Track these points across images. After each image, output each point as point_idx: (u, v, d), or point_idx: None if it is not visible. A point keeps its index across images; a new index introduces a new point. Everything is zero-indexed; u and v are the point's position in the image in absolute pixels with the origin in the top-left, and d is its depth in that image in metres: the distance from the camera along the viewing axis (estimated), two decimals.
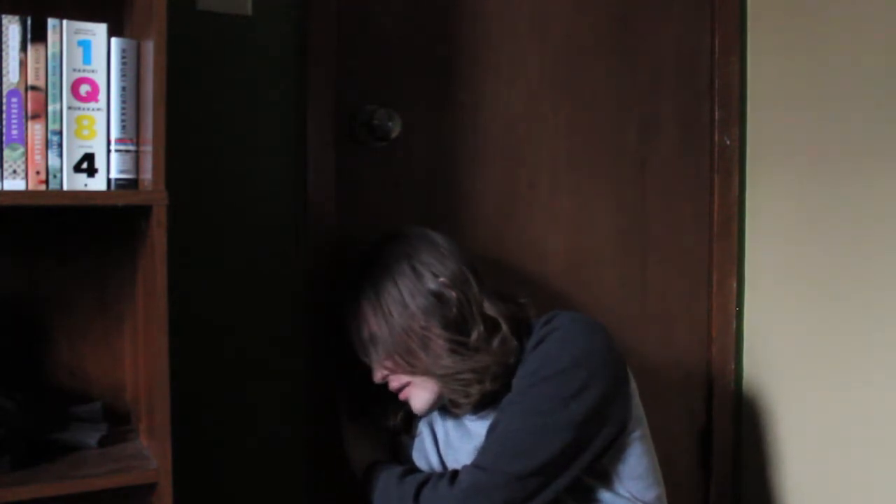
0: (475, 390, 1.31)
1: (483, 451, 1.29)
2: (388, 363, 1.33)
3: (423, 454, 1.43)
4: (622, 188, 1.82)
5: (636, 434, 1.34)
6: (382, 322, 1.31)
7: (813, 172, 1.75)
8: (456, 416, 1.40)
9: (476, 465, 1.28)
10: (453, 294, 1.32)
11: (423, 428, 1.45)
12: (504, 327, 1.33)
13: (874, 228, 1.62)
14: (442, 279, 1.33)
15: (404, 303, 1.31)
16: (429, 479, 1.30)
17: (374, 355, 1.34)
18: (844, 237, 1.68)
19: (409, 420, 1.47)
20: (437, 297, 1.32)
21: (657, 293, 1.87)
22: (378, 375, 1.36)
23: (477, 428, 1.37)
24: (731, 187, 1.90)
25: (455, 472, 1.29)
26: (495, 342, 1.32)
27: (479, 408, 1.37)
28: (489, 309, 1.34)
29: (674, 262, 1.88)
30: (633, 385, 1.36)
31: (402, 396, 1.37)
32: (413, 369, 1.32)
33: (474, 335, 1.31)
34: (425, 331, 1.30)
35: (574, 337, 1.30)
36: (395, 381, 1.35)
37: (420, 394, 1.35)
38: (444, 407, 1.41)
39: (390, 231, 1.41)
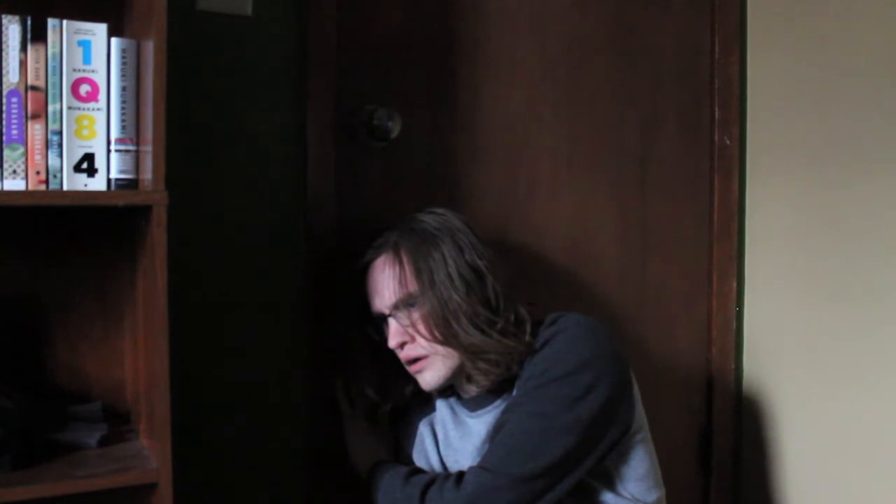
0: (495, 372, 1.31)
1: (489, 452, 1.29)
2: (420, 327, 1.31)
3: (424, 454, 1.43)
4: (622, 188, 1.82)
5: (639, 436, 1.34)
6: (426, 285, 1.30)
7: (813, 172, 1.75)
8: (459, 399, 1.40)
9: (482, 467, 1.27)
10: (490, 278, 1.33)
11: (423, 428, 1.44)
12: (528, 323, 1.33)
13: (874, 228, 1.62)
14: (484, 261, 1.34)
15: (448, 272, 1.31)
16: (434, 479, 1.30)
17: (404, 318, 1.32)
18: (844, 237, 1.68)
19: (397, 412, 1.46)
20: (478, 274, 1.32)
21: (657, 293, 1.86)
22: (395, 341, 1.33)
23: (477, 427, 1.37)
24: (731, 187, 1.90)
25: (461, 474, 1.29)
26: (521, 327, 1.32)
27: (478, 404, 1.37)
28: (518, 303, 1.35)
29: (674, 262, 1.88)
30: (636, 388, 1.36)
31: (414, 368, 1.35)
32: (441, 339, 1.31)
33: (504, 320, 1.32)
34: (464, 304, 1.30)
35: (580, 339, 1.30)
36: (411, 350, 1.33)
37: (436, 367, 1.33)
38: (446, 403, 1.41)
39: (429, 208, 1.41)
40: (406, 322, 1.32)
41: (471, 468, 1.29)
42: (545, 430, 1.25)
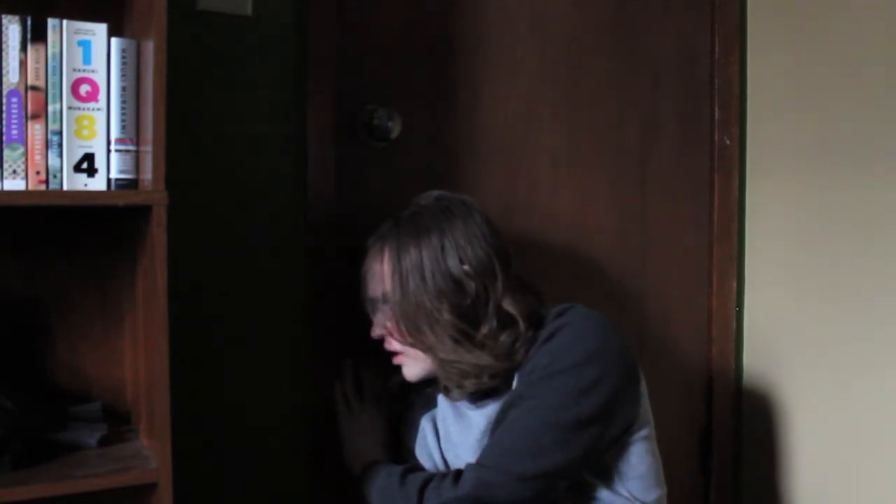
0: (470, 383, 1.30)
1: (488, 448, 1.28)
2: (391, 327, 1.33)
3: (426, 450, 1.42)
4: (622, 188, 1.81)
5: (642, 433, 1.32)
6: (398, 287, 1.29)
7: (813, 172, 1.75)
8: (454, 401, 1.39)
9: (480, 464, 1.27)
10: (472, 285, 1.29)
11: (424, 423, 1.43)
12: (521, 326, 1.30)
13: (874, 227, 1.62)
14: (466, 266, 1.29)
15: (423, 276, 1.28)
16: (432, 478, 1.29)
17: (381, 314, 1.34)
18: (844, 236, 1.68)
19: (405, 389, 1.46)
20: (456, 282, 1.29)
21: (657, 293, 1.86)
22: (377, 332, 1.36)
23: (478, 419, 1.35)
24: (731, 187, 1.90)
25: (459, 472, 1.28)
26: (506, 340, 1.29)
27: (479, 397, 1.35)
28: (509, 305, 1.30)
29: (674, 262, 1.88)
30: (644, 385, 1.34)
31: (395, 360, 1.37)
32: (408, 342, 1.31)
33: (484, 330, 1.29)
34: (436, 311, 1.28)
35: (587, 332, 1.28)
36: (388, 344, 1.35)
37: (412, 365, 1.35)
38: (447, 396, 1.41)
39: (439, 193, 1.38)
40: (383, 319, 1.34)
41: (468, 465, 1.28)
42: (548, 428, 1.23)
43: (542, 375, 1.26)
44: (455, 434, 1.39)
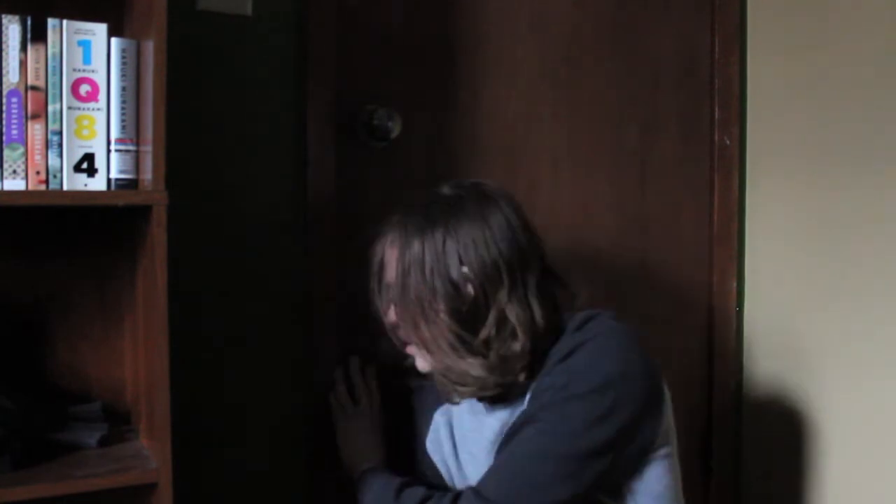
0: (466, 391, 1.25)
1: (491, 475, 1.21)
2: (393, 319, 1.28)
3: (438, 445, 1.39)
4: (622, 188, 1.82)
5: (662, 451, 1.24)
6: (399, 277, 1.24)
7: (813, 172, 1.75)
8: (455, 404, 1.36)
9: (479, 493, 1.20)
10: (470, 290, 1.21)
11: (438, 418, 1.40)
12: (520, 340, 1.22)
13: (874, 228, 1.62)
14: (465, 269, 1.21)
15: (423, 271, 1.21)
16: (429, 497, 1.24)
17: (384, 303, 1.29)
18: (844, 237, 1.68)
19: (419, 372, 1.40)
20: (453, 284, 1.21)
21: (657, 293, 1.86)
22: (387, 321, 1.30)
23: (490, 421, 1.31)
24: (731, 187, 1.90)
25: (458, 494, 1.22)
26: (504, 351, 1.22)
27: (492, 400, 1.30)
28: (512, 315, 1.22)
29: (674, 261, 1.88)
30: (668, 402, 1.26)
31: (407, 350, 1.31)
32: (412, 337, 1.26)
33: (482, 335, 1.22)
34: (433, 311, 1.22)
35: (608, 353, 1.20)
36: (401, 332, 1.29)
37: (419, 358, 1.29)
38: None
39: (458, 182, 1.30)
40: (385, 307, 1.30)
41: (468, 492, 1.21)
42: (555, 459, 1.16)
43: (555, 399, 1.18)
44: (469, 431, 1.35)
